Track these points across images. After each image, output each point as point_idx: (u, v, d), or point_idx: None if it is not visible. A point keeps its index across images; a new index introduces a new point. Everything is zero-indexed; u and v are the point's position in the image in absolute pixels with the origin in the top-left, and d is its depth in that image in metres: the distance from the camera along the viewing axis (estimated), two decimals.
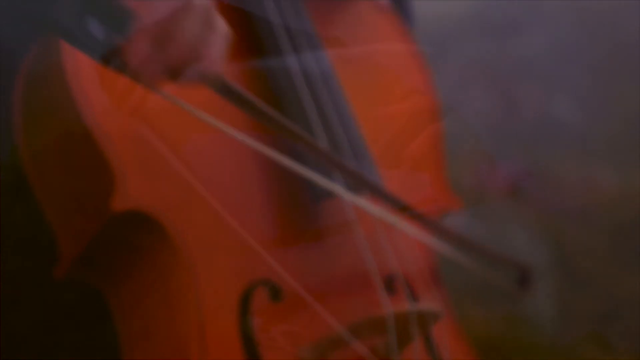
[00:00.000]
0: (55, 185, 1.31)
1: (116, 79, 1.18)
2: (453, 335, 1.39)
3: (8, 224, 1.36)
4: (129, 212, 1.19)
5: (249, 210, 1.27)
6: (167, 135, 1.24)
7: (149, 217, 1.20)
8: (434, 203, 1.45)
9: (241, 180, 1.27)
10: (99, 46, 0.91)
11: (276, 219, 1.29)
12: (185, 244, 1.21)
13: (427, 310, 1.29)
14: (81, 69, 1.20)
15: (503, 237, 6.71)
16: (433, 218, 1.40)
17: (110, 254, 1.29)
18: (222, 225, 1.24)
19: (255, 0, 1.35)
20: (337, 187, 1.24)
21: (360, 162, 1.31)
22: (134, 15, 0.95)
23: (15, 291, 1.38)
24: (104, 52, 0.93)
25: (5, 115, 1.32)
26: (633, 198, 10.33)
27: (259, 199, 1.28)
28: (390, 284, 1.30)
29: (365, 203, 1.26)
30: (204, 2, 1.00)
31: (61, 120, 1.26)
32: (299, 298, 1.26)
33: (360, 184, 1.23)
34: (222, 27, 1.04)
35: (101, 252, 1.29)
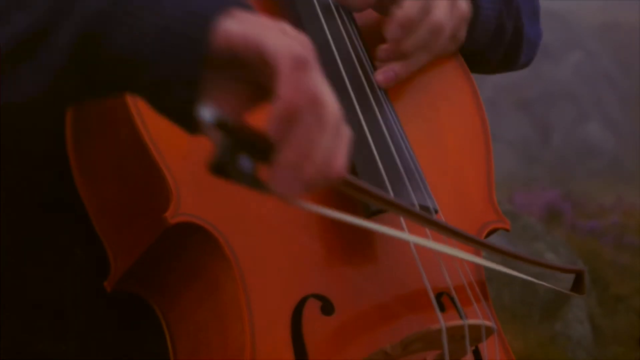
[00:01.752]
0: (108, 199, 1.27)
1: None
2: (502, 351, 1.34)
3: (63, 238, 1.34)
4: (182, 224, 1.14)
5: (300, 224, 1.23)
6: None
7: (202, 229, 1.15)
8: (483, 220, 1.39)
9: None
10: (247, 177, 0.90)
11: (328, 233, 1.25)
12: (238, 257, 1.16)
13: (480, 325, 1.24)
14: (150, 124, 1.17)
15: (541, 257, 6.72)
16: (480, 238, 1.35)
17: (162, 267, 1.24)
18: (274, 239, 1.21)
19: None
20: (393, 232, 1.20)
21: (412, 180, 1.27)
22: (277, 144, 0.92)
23: (70, 303, 1.33)
24: (250, 180, 0.91)
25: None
26: None
27: (309, 213, 1.19)
28: (441, 300, 1.26)
29: (418, 239, 1.23)
30: (335, 111, 0.95)
31: (116, 136, 1.23)
32: (351, 312, 1.21)
33: (415, 219, 1.18)
34: (346, 132, 0.98)
35: (153, 265, 1.24)
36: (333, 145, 0.95)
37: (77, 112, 1.28)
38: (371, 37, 1.38)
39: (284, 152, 0.91)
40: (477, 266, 1.36)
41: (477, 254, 1.36)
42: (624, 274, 8.52)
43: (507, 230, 1.43)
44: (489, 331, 1.27)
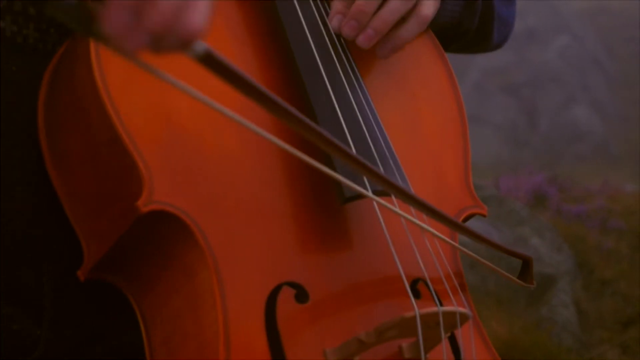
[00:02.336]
0: (79, 187, 1.27)
1: (146, 82, 1.17)
2: (477, 337, 1.35)
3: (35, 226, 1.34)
4: (155, 213, 1.14)
5: (274, 211, 1.23)
6: (194, 138, 1.20)
7: (175, 218, 1.15)
8: (459, 206, 1.40)
9: (267, 183, 1.23)
10: (73, 11, 0.81)
11: (302, 220, 1.25)
12: (211, 245, 1.16)
13: (454, 312, 1.25)
14: (110, 72, 1.17)
15: (523, 243, 6.74)
16: (455, 219, 1.32)
17: (135, 255, 1.24)
18: (247, 227, 1.21)
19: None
20: (364, 189, 1.20)
21: (388, 165, 1.27)
22: None
23: (42, 291, 1.33)
24: (79, 18, 0.83)
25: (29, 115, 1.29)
26: None
27: (285, 200, 1.24)
28: (416, 287, 1.27)
29: (390, 205, 1.22)
30: None
31: (88, 123, 1.23)
32: (325, 299, 1.22)
33: (388, 188, 1.16)
34: None
35: (126, 253, 1.24)
36: None
37: (49, 100, 1.27)
38: None
39: None
40: (454, 255, 1.37)
41: (453, 237, 1.36)
42: (609, 258, 8.55)
43: (483, 215, 1.43)
44: (464, 318, 1.26)
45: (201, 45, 0.89)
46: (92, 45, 1.17)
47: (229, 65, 0.92)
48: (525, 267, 1.39)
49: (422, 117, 1.42)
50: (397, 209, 1.23)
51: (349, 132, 1.25)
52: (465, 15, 1.48)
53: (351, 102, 1.28)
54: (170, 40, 0.87)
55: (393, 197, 1.24)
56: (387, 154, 1.28)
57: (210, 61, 0.92)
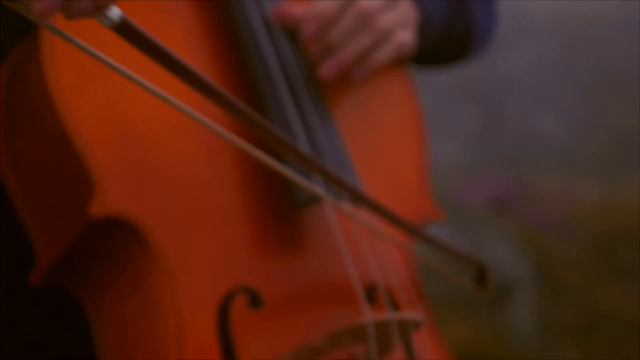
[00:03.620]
0: (32, 189, 1.25)
1: (100, 83, 1.17)
2: (434, 344, 1.36)
3: None
4: (107, 217, 1.13)
5: (228, 216, 1.22)
6: (148, 141, 1.19)
7: (127, 223, 1.14)
8: (416, 212, 1.39)
9: (222, 186, 1.23)
10: None
11: (256, 224, 1.24)
12: (163, 250, 1.15)
13: (407, 319, 1.25)
14: (62, 73, 1.16)
15: (484, 249, 6.77)
16: (412, 223, 1.34)
17: (87, 259, 1.22)
18: (200, 231, 1.20)
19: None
20: (318, 190, 1.20)
21: (341, 168, 1.27)
22: None
23: None
24: None
25: None
26: (613, 211, 10.39)
27: (238, 204, 1.23)
28: (371, 293, 1.26)
29: (346, 207, 1.23)
30: None
31: (41, 125, 1.21)
32: (279, 305, 1.21)
33: (341, 188, 1.19)
34: None
35: (78, 257, 1.22)
36: None
37: (3, 100, 1.25)
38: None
39: None
40: (410, 262, 1.36)
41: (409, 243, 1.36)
42: (570, 265, 8.61)
43: (439, 220, 1.43)
44: (417, 324, 1.26)
45: (115, 11, 0.87)
46: (45, 45, 1.16)
47: (146, 34, 0.91)
48: (482, 274, 1.39)
49: (377, 120, 1.41)
50: (349, 209, 1.24)
51: (302, 130, 1.26)
52: (439, 49, 1.49)
53: (305, 103, 1.29)
54: (82, 2, 0.84)
55: (345, 203, 1.24)
56: (341, 154, 1.28)
57: (126, 29, 0.89)
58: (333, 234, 1.24)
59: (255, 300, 1.19)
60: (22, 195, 1.25)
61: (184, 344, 1.14)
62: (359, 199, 1.19)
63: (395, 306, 1.26)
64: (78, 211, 1.14)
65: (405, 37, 1.36)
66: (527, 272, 7.55)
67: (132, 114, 1.18)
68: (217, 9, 1.32)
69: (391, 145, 1.42)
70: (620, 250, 9.27)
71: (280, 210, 1.25)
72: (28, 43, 1.25)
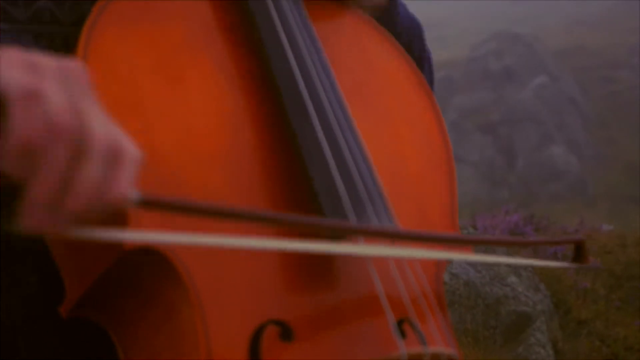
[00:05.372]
0: None
1: (131, 115, 1.16)
2: None
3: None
4: (139, 249, 1.11)
5: (260, 252, 1.19)
6: (178, 173, 1.17)
7: (158, 254, 1.12)
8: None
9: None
10: None
11: (288, 257, 1.22)
12: (195, 283, 1.13)
13: (439, 352, 1.23)
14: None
15: (501, 282, 6.75)
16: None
17: (117, 292, 1.21)
18: (231, 264, 1.18)
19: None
20: (357, 249, 1.19)
21: (375, 206, 1.25)
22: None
23: (24, 327, 1.30)
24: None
25: None
26: (627, 244, 10.34)
27: (270, 237, 1.19)
28: (402, 327, 1.23)
29: (380, 250, 1.22)
30: (103, 137, 0.89)
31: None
32: (310, 338, 1.18)
33: (376, 236, 1.17)
34: (132, 151, 0.92)
35: (107, 290, 1.20)
36: (106, 171, 0.88)
37: None
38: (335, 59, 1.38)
39: (33, 187, 0.85)
40: (439, 290, 1.35)
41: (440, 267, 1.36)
42: (585, 297, 8.58)
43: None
44: (450, 358, 1.26)
45: (135, 194, 0.91)
46: None
47: (170, 199, 0.96)
48: (579, 250, 1.40)
49: (406, 154, 1.41)
50: (382, 251, 1.23)
51: (338, 170, 1.24)
52: None
53: (341, 141, 1.27)
54: (100, 209, 0.89)
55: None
56: (376, 193, 1.26)
57: (150, 204, 0.94)
58: (366, 267, 1.22)
59: (286, 333, 1.16)
60: None
61: None
62: (396, 237, 1.19)
63: (426, 340, 1.24)
64: (111, 246, 1.10)
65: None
66: (543, 305, 7.54)
67: (163, 144, 1.17)
68: (248, 39, 1.32)
69: (418, 178, 1.42)
70: (635, 281, 9.24)
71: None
72: None
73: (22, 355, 1.30)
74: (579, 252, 1.40)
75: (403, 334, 1.23)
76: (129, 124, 1.15)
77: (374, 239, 1.21)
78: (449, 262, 1.41)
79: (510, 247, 1.52)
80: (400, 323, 1.24)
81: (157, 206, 0.95)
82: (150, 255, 1.13)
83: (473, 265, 7.22)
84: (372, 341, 1.21)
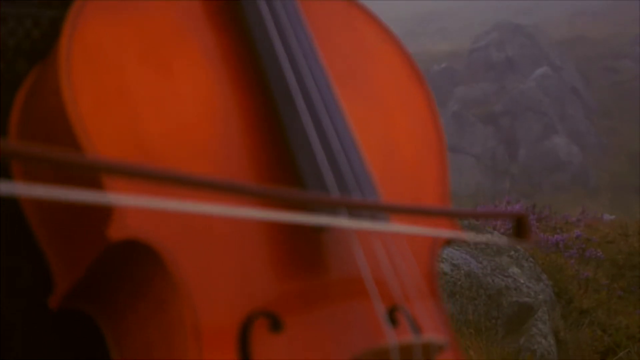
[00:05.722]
0: (49, 213, 1.23)
1: (118, 104, 1.15)
2: None
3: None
4: (126, 241, 1.10)
5: (248, 240, 1.20)
6: (166, 164, 1.17)
7: (146, 246, 1.12)
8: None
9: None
10: None
11: (276, 247, 1.23)
12: (183, 274, 1.13)
13: (431, 341, 1.23)
14: (79, 93, 1.14)
15: (503, 273, 6.76)
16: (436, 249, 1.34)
17: (105, 284, 1.21)
18: (220, 255, 1.17)
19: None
20: (342, 222, 1.18)
21: (360, 185, 1.25)
22: None
23: (11, 318, 1.29)
24: None
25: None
26: (629, 234, 10.34)
27: (258, 228, 1.21)
28: (393, 314, 1.23)
29: (367, 224, 1.21)
30: None
31: (58, 145, 1.17)
32: (299, 328, 1.19)
33: (366, 211, 1.18)
34: None
35: (96, 282, 1.20)
36: None
37: (20, 129, 1.26)
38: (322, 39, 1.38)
39: None
40: (430, 269, 1.36)
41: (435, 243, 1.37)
42: (587, 287, 8.60)
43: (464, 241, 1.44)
44: (441, 347, 1.25)
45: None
46: (62, 64, 1.15)
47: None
48: (519, 225, 1.38)
49: (400, 140, 1.41)
50: (371, 226, 1.22)
51: (322, 151, 1.24)
52: None
53: (324, 119, 1.27)
54: None
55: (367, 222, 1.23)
56: (361, 171, 1.26)
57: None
58: (354, 254, 1.22)
59: (275, 323, 1.17)
60: (39, 218, 1.24)
61: None
62: (382, 210, 1.19)
63: (418, 328, 1.24)
64: (97, 235, 1.12)
65: None
66: (545, 295, 7.54)
67: (151, 135, 1.16)
68: (234, 23, 1.32)
69: (411, 166, 1.42)
70: (637, 271, 9.26)
71: (299, 232, 1.23)
72: (44, 65, 1.25)
73: (16, 350, 1.30)
74: (519, 228, 1.38)
75: (394, 322, 1.22)
76: (116, 113, 1.15)
77: (357, 214, 1.19)
78: (442, 245, 1.41)
79: (454, 218, 1.52)
80: (391, 311, 1.23)
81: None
82: (137, 247, 1.12)
83: (475, 256, 7.23)
84: (361, 330, 1.21)
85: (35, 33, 1.30)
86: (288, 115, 1.26)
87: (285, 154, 1.25)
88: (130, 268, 1.18)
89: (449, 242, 1.43)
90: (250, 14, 1.32)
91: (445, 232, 1.35)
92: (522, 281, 7.13)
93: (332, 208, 1.17)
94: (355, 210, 1.20)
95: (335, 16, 1.47)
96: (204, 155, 1.20)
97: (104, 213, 1.11)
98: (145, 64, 1.21)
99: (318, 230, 1.21)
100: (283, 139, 1.25)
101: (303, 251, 1.23)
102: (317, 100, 1.28)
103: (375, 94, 1.44)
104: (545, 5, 68.17)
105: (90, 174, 1.06)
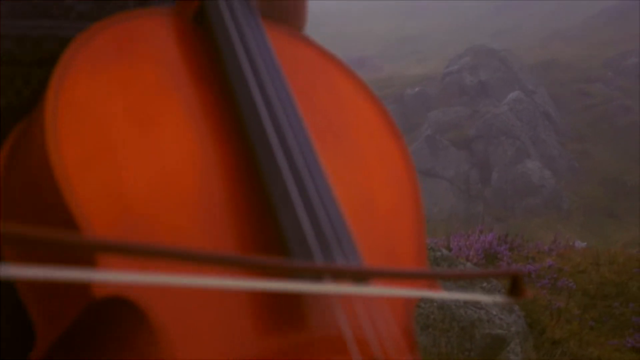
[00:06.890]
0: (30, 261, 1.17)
1: (103, 160, 1.15)
2: None
3: None
4: (110, 297, 1.10)
5: (230, 293, 1.20)
6: (149, 222, 1.16)
7: (129, 302, 1.11)
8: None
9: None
10: None
11: (257, 301, 1.22)
12: (166, 329, 1.12)
13: None
14: (65, 148, 1.13)
15: (475, 304, 6.76)
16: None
17: (87, 339, 1.20)
18: (201, 308, 1.17)
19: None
20: (327, 288, 1.17)
21: (342, 246, 1.25)
22: None
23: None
24: None
25: None
26: (601, 263, 10.38)
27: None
28: None
29: (349, 288, 1.20)
30: None
31: (41, 202, 1.18)
32: None
33: (347, 275, 1.17)
34: None
35: (78, 337, 1.19)
36: None
37: (3, 180, 1.26)
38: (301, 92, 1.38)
39: None
40: (408, 322, 1.36)
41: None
42: (559, 317, 8.63)
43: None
44: None
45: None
46: (49, 118, 1.15)
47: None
48: (514, 284, 1.38)
49: (376, 192, 1.42)
50: (353, 289, 1.22)
51: (302, 207, 1.24)
52: None
53: (304, 173, 1.27)
54: None
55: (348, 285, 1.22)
56: (343, 232, 1.26)
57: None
58: (335, 313, 1.23)
59: None
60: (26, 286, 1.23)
61: None
62: (366, 275, 1.20)
63: None
64: (79, 292, 1.11)
65: None
66: (518, 327, 7.57)
67: (132, 189, 1.16)
68: (216, 79, 1.33)
69: (385, 213, 1.42)
70: (609, 301, 9.30)
71: (281, 293, 1.22)
72: (29, 119, 1.26)
73: None
74: (514, 286, 1.39)
75: None
76: (100, 167, 1.15)
77: (339, 277, 1.19)
78: (416, 300, 1.41)
79: (448, 280, 1.51)
80: None
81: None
82: (121, 303, 1.12)
83: (447, 288, 7.22)
84: None
85: (9, 91, 1.31)
86: (268, 169, 1.27)
87: (266, 206, 1.25)
88: (113, 324, 1.17)
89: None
90: (232, 70, 1.33)
91: (428, 293, 1.35)
92: (494, 313, 7.14)
93: (316, 274, 1.16)
94: (338, 275, 1.21)
95: (314, 71, 1.49)
96: (186, 209, 1.20)
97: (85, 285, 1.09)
98: (130, 119, 1.21)
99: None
100: (266, 200, 1.25)
101: (285, 309, 1.23)
102: (297, 156, 1.29)
103: (352, 148, 1.44)
104: (518, 29, 68.53)
105: (80, 253, 1.05)
